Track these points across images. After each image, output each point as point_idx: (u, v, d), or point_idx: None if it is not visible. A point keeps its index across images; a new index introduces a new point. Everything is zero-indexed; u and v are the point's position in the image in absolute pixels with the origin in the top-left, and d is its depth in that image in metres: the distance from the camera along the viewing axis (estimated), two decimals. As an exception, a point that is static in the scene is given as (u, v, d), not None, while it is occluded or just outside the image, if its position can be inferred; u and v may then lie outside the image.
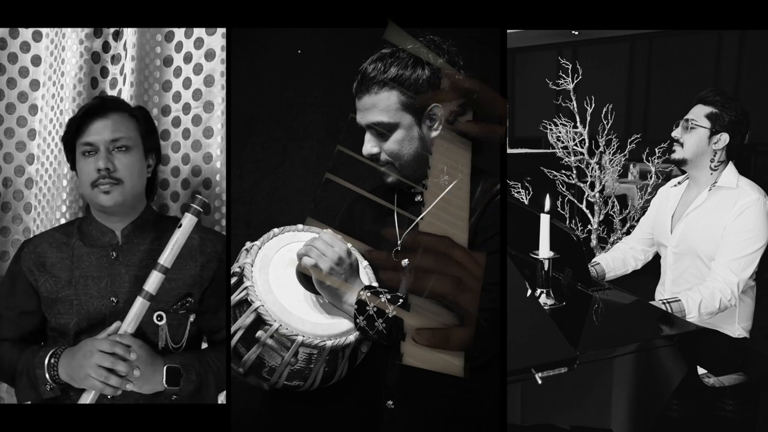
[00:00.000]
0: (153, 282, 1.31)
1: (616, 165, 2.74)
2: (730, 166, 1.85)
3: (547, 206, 1.57)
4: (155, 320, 1.35)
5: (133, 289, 1.35)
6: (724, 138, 1.82)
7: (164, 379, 1.31)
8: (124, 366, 1.26)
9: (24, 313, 1.41)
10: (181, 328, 1.40)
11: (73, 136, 1.39)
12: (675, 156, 1.89)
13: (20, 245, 1.47)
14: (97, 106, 1.41)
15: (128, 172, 1.38)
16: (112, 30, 1.73)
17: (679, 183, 1.98)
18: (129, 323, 1.30)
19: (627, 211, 2.73)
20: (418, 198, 1.31)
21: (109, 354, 1.25)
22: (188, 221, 1.32)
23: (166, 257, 1.31)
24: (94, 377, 1.25)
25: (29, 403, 1.44)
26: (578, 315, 1.56)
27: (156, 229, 1.44)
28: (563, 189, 2.79)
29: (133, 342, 1.29)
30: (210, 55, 1.63)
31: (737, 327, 1.85)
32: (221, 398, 1.46)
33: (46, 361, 1.30)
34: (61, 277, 1.39)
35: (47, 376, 1.30)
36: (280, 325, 1.16)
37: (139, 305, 1.31)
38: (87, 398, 1.28)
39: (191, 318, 1.41)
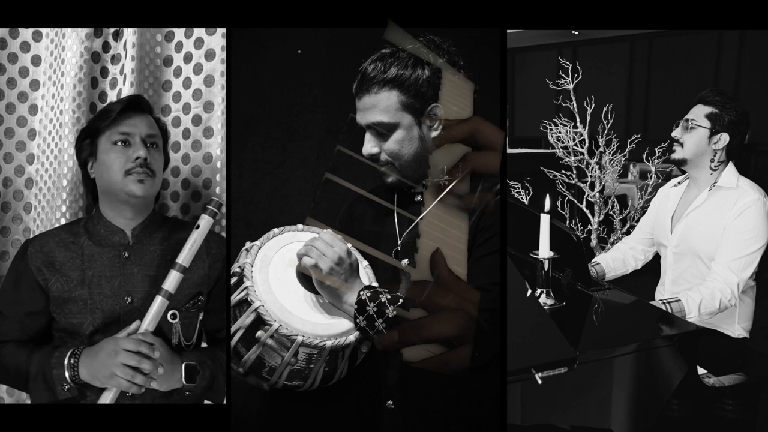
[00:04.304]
0: (172, 281, 1.32)
1: (616, 165, 2.74)
2: (730, 166, 1.85)
3: (547, 206, 1.57)
4: (169, 318, 1.37)
5: (147, 289, 1.37)
6: (724, 138, 1.82)
7: (183, 376, 1.32)
8: (149, 364, 1.26)
9: (30, 313, 1.40)
10: (191, 326, 1.42)
11: (104, 126, 1.40)
12: (675, 156, 1.89)
13: (23, 244, 1.46)
14: (136, 102, 1.45)
15: (158, 168, 1.42)
16: (112, 30, 1.73)
17: (679, 183, 1.98)
18: (149, 322, 1.31)
19: (627, 211, 2.73)
20: (418, 198, 1.31)
21: (134, 353, 1.26)
22: (205, 222, 1.34)
23: (185, 257, 1.32)
24: (121, 376, 1.25)
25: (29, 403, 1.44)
26: (578, 315, 1.56)
27: (163, 230, 1.46)
28: (563, 189, 2.79)
29: (156, 340, 1.30)
30: (210, 55, 1.63)
31: (737, 327, 1.85)
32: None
33: (66, 361, 1.29)
34: (73, 277, 1.38)
35: (66, 375, 1.29)
36: (280, 325, 1.16)
37: (158, 304, 1.32)
38: (107, 397, 1.28)
39: (200, 316, 1.43)
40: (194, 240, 1.34)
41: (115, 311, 1.37)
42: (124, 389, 1.28)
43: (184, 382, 1.32)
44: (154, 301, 1.32)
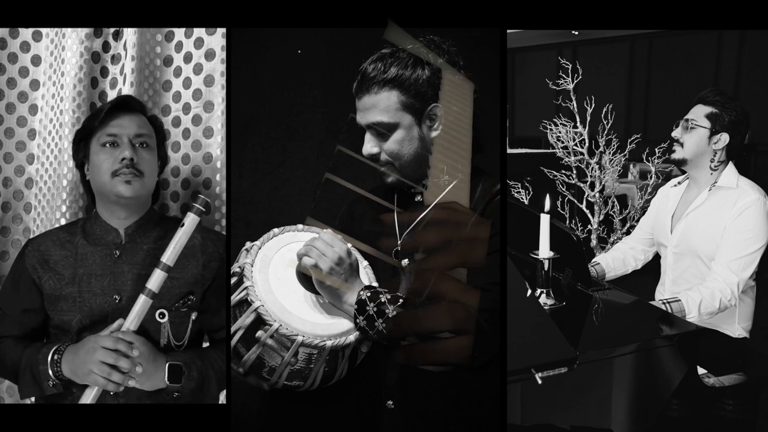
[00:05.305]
0: (156, 280, 1.31)
1: (616, 165, 2.74)
2: (730, 166, 1.85)
3: (547, 206, 1.56)
4: (158, 318, 1.36)
5: (136, 288, 1.36)
6: (724, 138, 1.82)
7: (166, 376, 1.32)
8: (127, 362, 1.26)
9: (27, 311, 1.42)
10: (183, 326, 1.41)
11: (95, 127, 1.40)
12: (675, 156, 1.89)
13: (24, 243, 1.48)
14: (125, 102, 1.44)
15: (148, 168, 1.41)
16: (112, 30, 1.73)
17: (679, 183, 1.98)
18: (131, 320, 1.31)
19: (627, 211, 2.73)
20: (418, 198, 1.31)
21: (112, 350, 1.26)
22: (191, 220, 1.33)
23: (169, 256, 1.32)
24: (97, 373, 1.25)
25: (31, 401, 1.44)
26: (578, 315, 1.56)
27: (158, 228, 1.45)
28: (563, 189, 2.79)
29: (136, 339, 1.29)
30: (210, 55, 1.63)
31: (737, 327, 1.85)
32: (221, 398, 1.46)
33: (50, 358, 1.31)
34: (65, 275, 1.39)
35: (50, 372, 1.30)
36: (280, 325, 1.16)
37: (141, 303, 1.31)
38: (89, 395, 1.28)
39: (193, 316, 1.42)
40: (178, 238, 1.32)
41: (104, 309, 1.37)
42: (101, 387, 1.28)
43: (168, 382, 1.32)
44: (138, 299, 1.32)
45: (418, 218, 1.29)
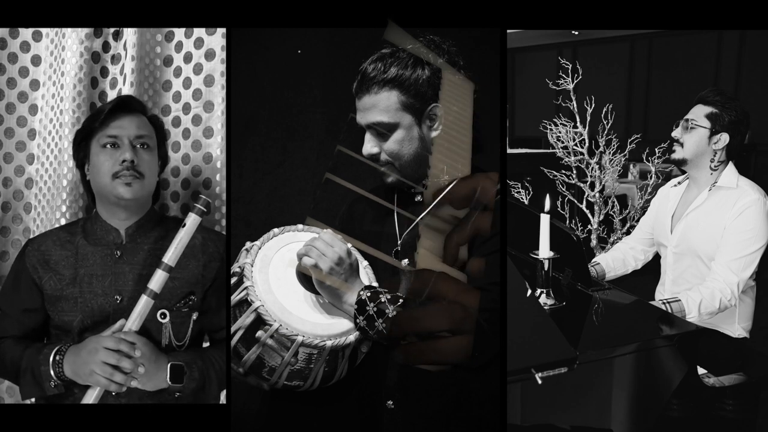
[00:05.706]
0: (157, 280, 1.31)
1: (616, 165, 2.74)
2: (730, 166, 1.85)
3: (547, 206, 1.57)
4: (159, 318, 1.36)
5: (137, 288, 1.36)
6: (724, 138, 1.82)
7: (168, 376, 1.32)
8: (129, 363, 1.26)
9: (27, 311, 1.42)
10: (184, 326, 1.41)
11: (95, 128, 1.40)
12: (675, 156, 1.89)
13: (24, 243, 1.48)
14: (125, 102, 1.44)
15: (149, 169, 1.41)
16: (112, 30, 1.73)
17: (679, 183, 1.98)
18: (133, 321, 1.31)
19: (627, 211, 2.73)
20: (418, 198, 1.31)
21: (114, 351, 1.26)
22: (192, 221, 1.33)
23: (170, 256, 1.32)
24: (99, 374, 1.25)
25: (31, 401, 1.44)
26: (578, 315, 1.56)
27: (159, 228, 1.45)
28: (563, 189, 2.79)
29: (138, 339, 1.30)
30: (210, 55, 1.63)
31: (737, 327, 1.85)
32: (222, 398, 1.46)
33: (51, 358, 1.31)
34: (65, 275, 1.39)
35: (52, 372, 1.30)
36: (280, 325, 1.16)
37: (143, 303, 1.31)
38: (91, 395, 1.29)
39: (194, 316, 1.42)
40: (180, 239, 1.33)
41: (105, 310, 1.37)
42: (103, 387, 1.28)
43: (170, 382, 1.32)
44: (139, 300, 1.32)
45: (419, 218, 1.29)
